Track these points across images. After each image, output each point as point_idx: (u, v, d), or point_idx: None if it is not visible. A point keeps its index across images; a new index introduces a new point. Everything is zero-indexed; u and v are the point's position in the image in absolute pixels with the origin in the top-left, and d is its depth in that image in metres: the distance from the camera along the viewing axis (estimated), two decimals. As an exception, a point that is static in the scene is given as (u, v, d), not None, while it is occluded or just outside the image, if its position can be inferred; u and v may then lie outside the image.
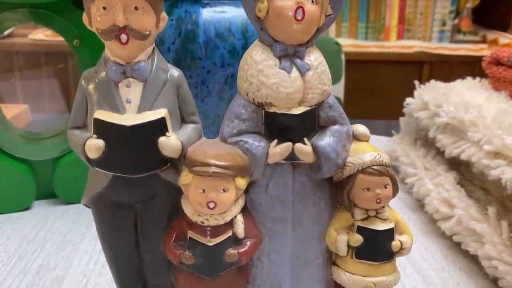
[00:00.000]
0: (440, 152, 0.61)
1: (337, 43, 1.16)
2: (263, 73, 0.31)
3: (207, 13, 0.50)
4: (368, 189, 0.32)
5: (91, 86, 0.30)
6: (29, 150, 0.56)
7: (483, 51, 1.54)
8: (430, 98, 0.63)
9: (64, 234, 0.52)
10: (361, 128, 0.34)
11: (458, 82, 0.68)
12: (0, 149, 0.55)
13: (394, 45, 1.60)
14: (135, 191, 0.31)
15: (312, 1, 0.30)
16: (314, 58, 0.32)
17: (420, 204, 0.60)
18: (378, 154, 0.33)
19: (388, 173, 0.33)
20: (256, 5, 0.31)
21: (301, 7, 0.29)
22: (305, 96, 0.31)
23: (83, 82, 0.31)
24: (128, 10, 0.28)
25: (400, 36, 1.70)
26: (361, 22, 1.67)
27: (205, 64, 0.49)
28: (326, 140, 0.32)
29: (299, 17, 0.29)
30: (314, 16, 0.30)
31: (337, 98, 1.21)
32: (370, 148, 0.34)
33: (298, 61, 0.31)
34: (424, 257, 0.49)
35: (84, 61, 0.55)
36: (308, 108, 0.32)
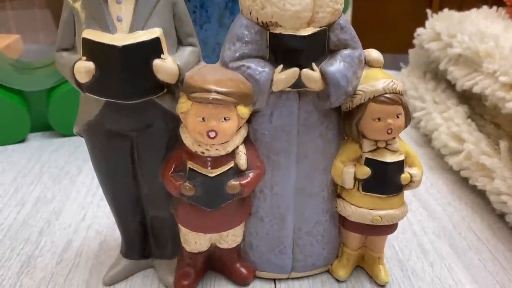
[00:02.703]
0: (450, 86, 0.59)
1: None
2: (269, -12, 0.28)
3: None
4: (379, 119, 0.30)
5: (78, 3, 0.27)
6: (21, 80, 0.54)
7: (498, -18, 1.47)
8: (442, 28, 0.60)
9: (61, 167, 0.50)
10: (374, 54, 0.32)
11: (473, 11, 0.64)
12: (-8, 80, 0.53)
13: (403, -26, 1.52)
14: (129, 119, 0.29)
15: None
16: (325, -28, 0.28)
17: (427, 139, 0.58)
18: (392, 81, 0.30)
19: (402, 102, 0.30)
20: None
21: None
22: (314, 15, 0.28)
23: (69, -2, 0.28)
24: None
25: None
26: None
27: (204, -14, 0.46)
28: (336, 66, 0.29)
29: None
30: None
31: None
32: (382, 75, 0.31)
33: (307, -26, 0.28)
34: (429, 192, 0.48)
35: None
36: (318, 29, 0.29)
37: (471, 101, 0.56)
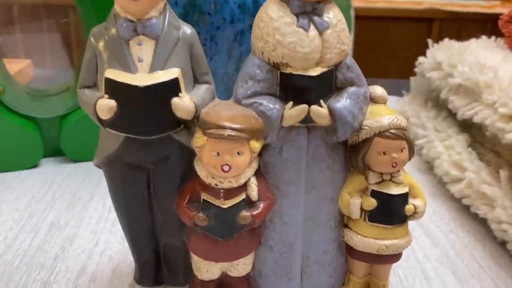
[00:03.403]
0: (451, 114, 0.60)
1: (346, -1, 1.12)
2: (280, 31, 0.29)
3: (216, -34, 0.47)
4: (384, 153, 0.32)
5: (101, 44, 0.29)
6: (35, 107, 0.56)
7: (496, 8, 1.50)
8: (443, 57, 0.62)
9: (73, 193, 0.52)
10: (378, 90, 0.33)
11: (473, 41, 0.66)
12: (6, 106, 0.54)
13: (403, 0, 1.55)
14: (148, 153, 0.30)
15: (333, -45, 0.28)
16: (333, 15, 0.30)
17: (429, 166, 0.59)
18: (396, 117, 0.32)
19: (405, 137, 0.32)
20: (273, -42, 0.29)
21: (322, -40, 0.28)
22: (323, 56, 0.30)
23: (92, 39, 0.30)
24: (139, -37, 0.26)
25: (410, -9, 1.65)
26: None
27: (214, 19, 0.48)
28: (342, 103, 0.31)
29: (319, -28, 0.28)
30: (334, -29, 0.29)
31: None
32: (387, 111, 0.33)
33: (316, 18, 0.30)
34: (432, 219, 0.49)
35: (88, 16, 0.54)
36: (326, 69, 0.31)
37: (472, 129, 0.58)
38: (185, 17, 0.48)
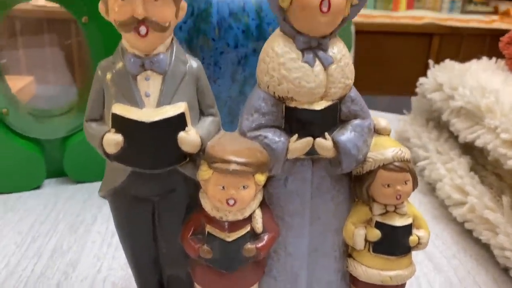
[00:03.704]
0: (453, 135, 0.61)
1: (347, 15, 1.13)
2: (285, 67, 0.30)
3: (220, -8, 0.48)
4: (388, 185, 0.32)
5: (108, 78, 0.29)
6: (38, 129, 0.56)
7: (494, 23, 1.51)
8: (444, 79, 0.62)
9: (76, 215, 0.52)
10: (382, 122, 0.34)
11: (474, 62, 0.66)
12: (9, 128, 0.54)
13: (403, 15, 1.57)
14: (153, 185, 0.31)
15: (339, -8, 0.29)
16: (338, 50, 0.31)
17: (431, 188, 0.59)
18: (400, 150, 0.32)
19: (409, 169, 0.32)
20: (279, -6, 0.29)
21: (328, -2, 0.28)
22: (327, 90, 0.30)
23: (99, 72, 0.30)
24: (147, 1, 0.27)
25: (409, 6, 1.66)
26: (370, -9, 1.63)
27: (218, 45, 0.48)
28: (347, 135, 0.31)
29: (325, 9, 0.28)
30: (340, 7, 0.29)
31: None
32: (391, 143, 0.33)
33: (321, 53, 0.30)
34: (435, 244, 0.49)
35: (93, 38, 0.54)
36: (330, 102, 0.31)
37: (473, 151, 0.58)
38: (189, 42, 0.49)
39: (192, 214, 0.32)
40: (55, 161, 0.57)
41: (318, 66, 0.30)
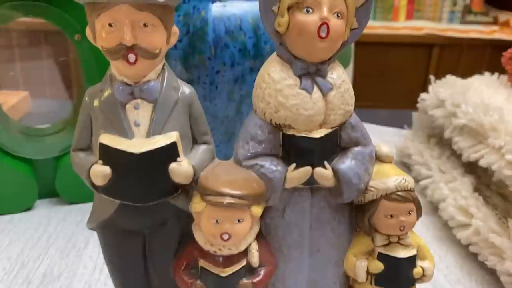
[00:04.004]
0: (455, 153, 0.59)
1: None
2: (282, 93, 0.28)
3: (216, 9, 0.47)
4: (391, 216, 0.30)
5: (96, 106, 0.28)
6: (30, 148, 0.54)
7: (494, 34, 1.50)
8: (446, 95, 0.60)
9: (68, 238, 0.50)
10: (384, 149, 0.32)
11: (476, 78, 0.65)
12: (0, 147, 0.53)
13: (403, 26, 1.56)
14: (143, 218, 0.29)
15: (338, 15, 0.27)
16: (337, 75, 0.29)
17: (433, 207, 0.58)
18: (403, 179, 0.31)
19: (413, 199, 0.31)
20: (275, 19, 0.28)
21: (326, 23, 0.27)
22: (326, 117, 0.29)
23: (87, 99, 0.29)
24: (136, 27, 0.25)
25: (409, 17, 1.65)
26: (370, 2, 1.62)
27: (214, 64, 0.47)
28: (347, 164, 0.30)
29: (323, 35, 0.27)
30: (339, 32, 0.28)
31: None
32: (394, 171, 0.31)
33: (320, 79, 0.29)
34: (438, 267, 0.48)
35: (86, 56, 0.53)
36: (330, 130, 0.29)
37: (477, 170, 0.57)
38: (184, 61, 0.47)
39: (185, 247, 0.30)
40: (47, 181, 0.55)
41: (316, 92, 0.28)
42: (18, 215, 0.54)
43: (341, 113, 0.29)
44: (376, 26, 1.51)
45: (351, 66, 1.17)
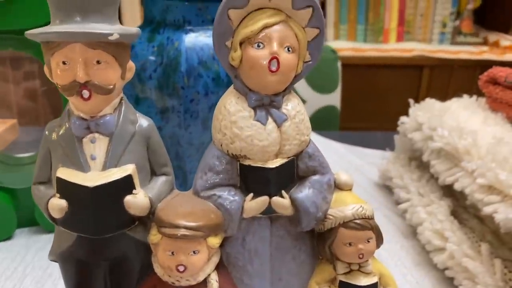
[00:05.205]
0: (434, 176, 0.59)
1: (333, 51, 1.13)
2: (237, 125, 0.29)
3: (189, 40, 0.48)
4: (350, 244, 0.31)
5: (54, 140, 0.29)
6: (10, 178, 0.55)
7: (484, 54, 1.52)
8: (424, 119, 0.61)
9: (44, 268, 0.50)
10: (343, 177, 0.33)
11: (455, 101, 0.65)
12: (-21, 177, 0.53)
13: (393, 48, 1.58)
14: (102, 251, 0.29)
15: (288, 49, 0.28)
16: (292, 107, 0.30)
17: (413, 230, 0.58)
18: (361, 207, 0.31)
19: (372, 227, 0.31)
20: (229, 53, 0.29)
21: (276, 57, 0.27)
22: (282, 148, 0.30)
23: (47, 133, 0.29)
24: (89, 64, 0.26)
25: (399, 39, 1.67)
26: (360, 24, 1.65)
27: (188, 93, 0.48)
28: (305, 193, 0.30)
29: (273, 68, 0.28)
30: (290, 66, 0.28)
31: (333, 107, 1.19)
32: (352, 199, 0.32)
33: (274, 111, 0.29)
34: (415, 293, 0.48)
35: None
36: (285, 160, 0.30)
37: (455, 193, 0.57)
38: (159, 91, 0.48)
39: (146, 279, 0.31)
40: (27, 210, 0.56)
41: (270, 124, 0.29)
42: (-3, 245, 0.54)
43: (296, 143, 0.30)
44: (366, 49, 1.53)
45: (338, 91, 1.18)
